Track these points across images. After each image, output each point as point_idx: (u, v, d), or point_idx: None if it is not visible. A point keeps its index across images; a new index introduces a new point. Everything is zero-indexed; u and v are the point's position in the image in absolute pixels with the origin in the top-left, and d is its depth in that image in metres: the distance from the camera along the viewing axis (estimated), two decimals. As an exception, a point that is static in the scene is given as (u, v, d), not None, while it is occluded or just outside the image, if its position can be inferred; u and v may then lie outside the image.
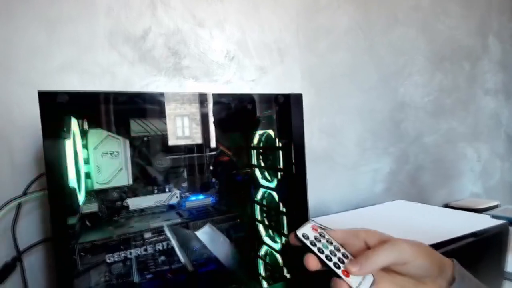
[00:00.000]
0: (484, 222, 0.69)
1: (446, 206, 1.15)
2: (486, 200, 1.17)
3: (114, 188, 0.55)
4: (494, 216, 0.77)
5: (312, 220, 0.35)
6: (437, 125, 1.16)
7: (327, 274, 0.32)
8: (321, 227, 0.35)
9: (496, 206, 1.09)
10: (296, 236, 0.33)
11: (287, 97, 0.53)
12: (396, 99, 1.06)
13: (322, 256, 0.32)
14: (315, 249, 0.32)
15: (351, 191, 0.97)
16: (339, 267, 0.31)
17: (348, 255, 0.33)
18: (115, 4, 0.67)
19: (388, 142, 1.05)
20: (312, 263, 0.32)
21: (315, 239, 0.33)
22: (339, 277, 0.31)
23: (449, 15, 1.19)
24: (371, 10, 1.01)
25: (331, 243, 0.33)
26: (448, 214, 0.81)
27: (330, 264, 0.31)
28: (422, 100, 1.12)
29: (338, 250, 0.33)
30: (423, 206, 0.87)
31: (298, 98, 0.53)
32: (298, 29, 0.89)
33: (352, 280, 0.31)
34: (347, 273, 0.31)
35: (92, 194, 0.54)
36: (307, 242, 0.33)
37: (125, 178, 0.54)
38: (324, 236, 0.34)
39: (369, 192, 1.01)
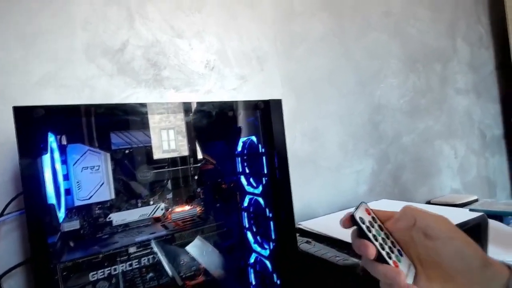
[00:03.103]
0: (463, 215, 0.72)
1: (428, 203, 1.19)
2: (465, 195, 1.21)
3: (96, 204, 0.54)
4: (472, 210, 0.80)
5: (364, 202, 0.34)
6: (413, 125, 1.21)
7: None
8: (372, 210, 0.35)
9: (475, 201, 1.14)
10: (353, 218, 0.32)
11: (267, 103, 0.54)
12: (374, 101, 1.10)
13: (377, 244, 0.31)
14: (370, 235, 0.32)
15: (335, 193, 0.99)
16: (390, 257, 0.31)
17: (396, 244, 0.33)
18: (92, 17, 0.67)
19: (368, 144, 1.08)
20: (371, 252, 0.31)
21: (370, 224, 0.33)
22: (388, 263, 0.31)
23: (419, 19, 1.25)
24: (345, 16, 1.05)
25: (382, 230, 0.33)
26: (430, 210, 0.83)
27: (383, 253, 0.31)
28: (398, 102, 1.17)
29: (388, 237, 0.33)
30: (406, 204, 0.90)
31: (277, 103, 0.54)
32: (275, 37, 0.91)
33: (400, 269, 0.31)
34: (396, 263, 0.31)
35: (73, 211, 0.53)
36: (364, 227, 0.32)
37: (107, 193, 0.53)
38: (376, 221, 0.33)
39: (353, 193, 1.03)
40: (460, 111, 1.37)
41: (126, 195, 0.57)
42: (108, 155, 0.55)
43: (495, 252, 0.74)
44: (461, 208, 0.87)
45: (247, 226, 0.66)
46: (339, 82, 1.02)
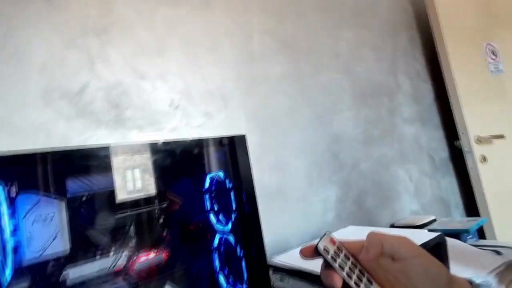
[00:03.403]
0: (423, 236, 0.76)
1: (392, 226, 1.24)
2: (423, 216, 1.29)
3: (48, 260, 0.48)
4: (430, 230, 0.85)
5: (329, 231, 0.34)
6: (369, 152, 1.29)
7: None
8: (338, 240, 0.34)
9: (433, 221, 1.21)
10: (317, 250, 0.31)
11: (231, 139, 0.55)
12: (331, 133, 1.17)
13: (343, 274, 0.31)
14: (336, 265, 0.31)
15: (305, 223, 1.00)
16: (358, 286, 0.31)
17: (364, 272, 0.32)
18: (50, 61, 0.66)
19: (330, 172, 1.12)
20: (337, 282, 0.30)
21: (335, 254, 0.32)
22: None
23: (364, 59, 1.40)
24: (300, 58, 1.14)
25: (348, 259, 0.33)
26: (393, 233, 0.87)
27: (351, 283, 0.31)
28: (354, 132, 1.25)
29: (356, 266, 0.32)
30: (372, 229, 0.93)
31: (242, 138, 0.55)
32: (238, 77, 0.95)
33: None
34: None
35: (21, 270, 0.47)
36: (328, 258, 0.31)
37: (61, 247, 0.48)
38: (342, 251, 0.33)
39: (322, 221, 1.04)
40: (409, 138, 1.49)
41: (83, 247, 0.52)
42: (63, 203, 0.51)
43: (454, 268, 0.78)
44: (420, 229, 0.92)
45: (218, 268, 0.63)
46: (298, 116, 1.08)
